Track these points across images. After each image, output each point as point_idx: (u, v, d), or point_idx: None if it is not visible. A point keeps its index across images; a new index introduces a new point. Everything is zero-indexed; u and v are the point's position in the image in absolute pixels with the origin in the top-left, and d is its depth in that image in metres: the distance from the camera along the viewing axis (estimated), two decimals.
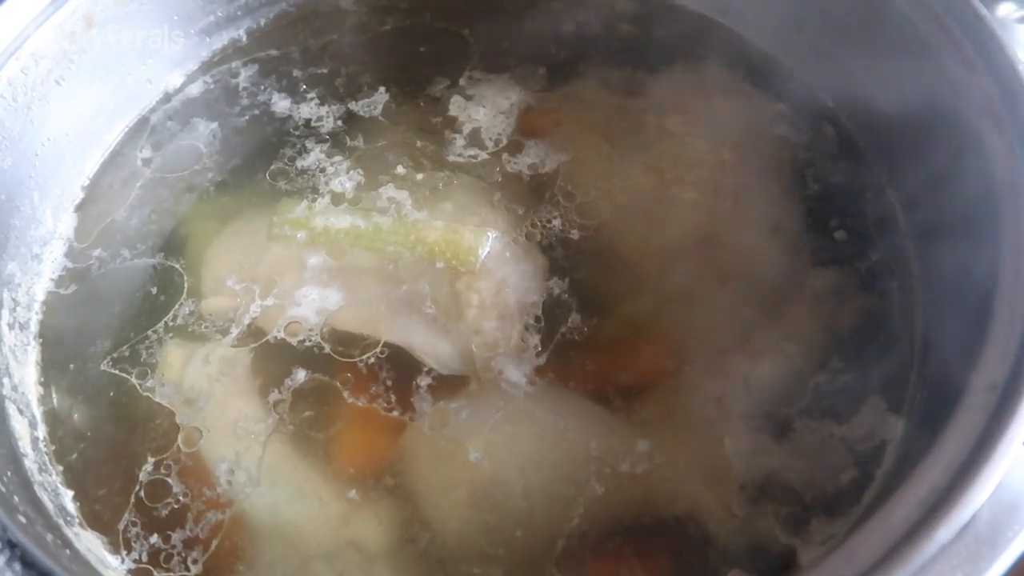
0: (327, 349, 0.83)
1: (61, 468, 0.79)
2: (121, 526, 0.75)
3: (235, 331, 0.84)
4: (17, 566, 0.57)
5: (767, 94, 0.99)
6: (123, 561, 0.74)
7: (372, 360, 0.82)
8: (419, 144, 0.97)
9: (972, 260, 0.75)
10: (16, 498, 0.67)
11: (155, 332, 0.86)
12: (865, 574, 0.51)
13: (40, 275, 0.90)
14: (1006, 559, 0.55)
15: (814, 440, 0.76)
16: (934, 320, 0.80)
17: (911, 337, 0.81)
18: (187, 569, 0.73)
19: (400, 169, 0.94)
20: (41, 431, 0.81)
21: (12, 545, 0.57)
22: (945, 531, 0.51)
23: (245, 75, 1.04)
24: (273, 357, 0.83)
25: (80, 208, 0.95)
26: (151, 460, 0.78)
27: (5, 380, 0.80)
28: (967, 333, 0.69)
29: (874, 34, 0.89)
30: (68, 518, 0.75)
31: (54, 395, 0.84)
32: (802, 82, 0.99)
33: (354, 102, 1.01)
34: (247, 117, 1.01)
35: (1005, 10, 1.06)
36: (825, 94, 0.98)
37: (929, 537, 0.51)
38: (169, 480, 0.77)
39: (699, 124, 0.96)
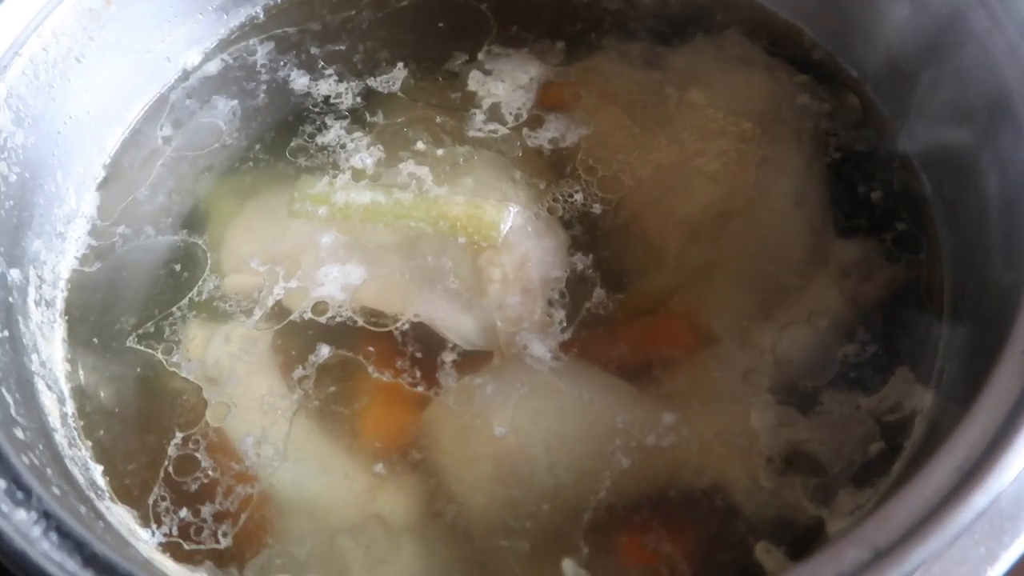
0: (360, 322, 0.83)
1: (90, 443, 0.80)
2: (151, 500, 0.76)
3: (259, 313, 0.84)
4: (53, 535, 0.57)
5: (789, 64, 0.98)
6: (154, 534, 0.74)
7: (396, 336, 0.82)
8: (439, 119, 0.96)
9: (1001, 228, 0.74)
10: (49, 471, 0.68)
11: (179, 309, 0.86)
12: (900, 540, 0.50)
13: (64, 253, 0.90)
14: None
15: (841, 412, 0.76)
16: (962, 290, 0.79)
17: (939, 307, 0.80)
18: (217, 542, 0.74)
19: (420, 145, 0.94)
20: (70, 407, 0.82)
21: (48, 516, 0.58)
22: (982, 497, 0.51)
23: (263, 52, 1.04)
24: (296, 334, 0.83)
25: (102, 186, 0.95)
26: (179, 435, 0.79)
27: (33, 356, 0.81)
28: (996, 302, 0.68)
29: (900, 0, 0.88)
30: (99, 492, 0.75)
31: (81, 371, 0.84)
32: (824, 51, 0.99)
33: (373, 78, 1.01)
34: (266, 94, 1.01)
35: None
36: (848, 63, 0.97)
37: (965, 503, 0.51)
38: (197, 455, 0.78)
39: (721, 95, 0.95)
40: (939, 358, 0.77)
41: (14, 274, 0.82)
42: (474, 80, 0.99)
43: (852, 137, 0.92)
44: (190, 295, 0.87)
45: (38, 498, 0.59)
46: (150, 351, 0.84)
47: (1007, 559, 0.56)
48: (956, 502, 0.51)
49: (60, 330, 0.86)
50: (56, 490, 0.64)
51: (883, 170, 0.89)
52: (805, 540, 0.70)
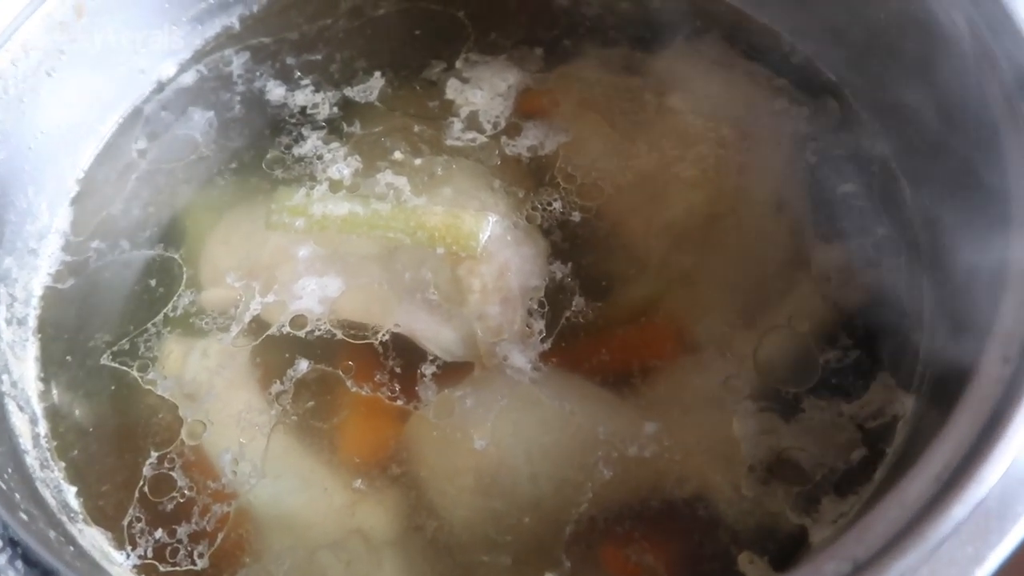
0: (339, 335, 0.82)
1: (63, 464, 0.79)
2: (125, 521, 0.75)
3: (236, 328, 0.83)
4: (19, 564, 0.56)
5: (768, 69, 0.97)
6: (128, 557, 0.73)
7: (375, 348, 0.81)
8: (417, 129, 0.96)
9: (981, 232, 0.73)
10: (18, 495, 0.67)
11: (155, 325, 0.85)
12: (879, 553, 0.50)
13: (37, 270, 0.89)
14: (1016, 533, 0.54)
15: (823, 418, 0.75)
16: (943, 294, 0.79)
17: (919, 312, 0.80)
18: (193, 563, 0.73)
19: (398, 154, 0.93)
20: (42, 427, 0.80)
21: (14, 543, 0.57)
22: (961, 508, 0.50)
23: (239, 63, 1.03)
24: (274, 348, 0.82)
25: (76, 201, 0.94)
26: (154, 454, 0.78)
27: (4, 376, 0.80)
28: (977, 306, 0.68)
29: (877, 4, 0.88)
30: (71, 514, 0.74)
31: (54, 391, 0.83)
32: (804, 56, 0.98)
33: (350, 88, 1.00)
34: (242, 105, 1.00)
35: None
36: (827, 67, 0.97)
37: (944, 515, 0.50)
38: (173, 474, 0.77)
39: (700, 101, 0.95)
40: (919, 363, 0.76)
41: None
42: (452, 88, 0.98)
43: (831, 141, 0.92)
44: (165, 310, 0.85)
45: (3, 525, 0.58)
46: (125, 368, 0.83)
47: (995, 559, 0.55)
48: (935, 513, 0.50)
49: (33, 349, 0.85)
50: (24, 515, 0.63)
51: (863, 174, 0.89)
52: (788, 549, 0.70)
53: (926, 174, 0.85)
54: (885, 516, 0.52)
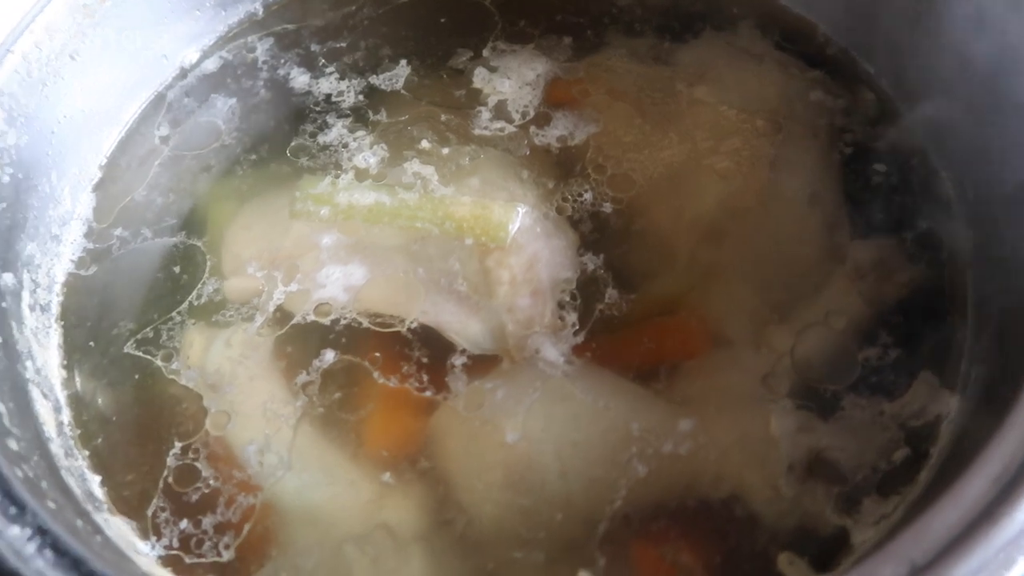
0: (365, 324, 0.80)
1: (87, 453, 0.77)
2: (150, 511, 0.74)
3: (260, 318, 0.82)
4: (48, 553, 0.55)
5: (802, 59, 0.96)
6: (153, 547, 0.72)
7: (403, 338, 0.80)
8: (444, 118, 0.94)
9: None
10: (44, 483, 0.65)
11: (179, 313, 0.83)
12: (940, 555, 0.48)
13: (60, 256, 0.88)
14: None
15: (864, 417, 0.73)
16: (987, 290, 0.77)
17: (963, 309, 0.78)
18: (219, 555, 0.71)
19: (425, 144, 0.91)
20: (66, 415, 0.79)
21: (43, 531, 0.55)
22: None
23: (262, 49, 1.02)
24: (299, 338, 0.81)
25: (98, 187, 0.93)
26: (179, 444, 0.76)
27: (28, 363, 0.78)
28: None
29: None
30: (96, 504, 0.73)
31: (77, 378, 0.82)
32: (839, 47, 0.97)
33: (375, 76, 0.98)
34: (266, 93, 0.99)
35: None
36: (863, 58, 0.95)
37: (1008, 517, 0.48)
38: (198, 464, 0.75)
39: (732, 92, 0.93)
40: (964, 362, 0.74)
41: (7, 278, 0.80)
42: (479, 77, 0.97)
43: (868, 133, 0.90)
44: (189, 299, 0.84)
45: (33, 513, 0.57)
46: (149, 357, 0.81)
47: None
48: (997, 516, 0.48)
49: (56, 336, 0.84)
50: (51, 504, 0.61)
51: (901, 167, 0.87)
52: (830, 551, 0.68)
53: (967, 166, 0.83)
54: (942, 518, 0.50)
